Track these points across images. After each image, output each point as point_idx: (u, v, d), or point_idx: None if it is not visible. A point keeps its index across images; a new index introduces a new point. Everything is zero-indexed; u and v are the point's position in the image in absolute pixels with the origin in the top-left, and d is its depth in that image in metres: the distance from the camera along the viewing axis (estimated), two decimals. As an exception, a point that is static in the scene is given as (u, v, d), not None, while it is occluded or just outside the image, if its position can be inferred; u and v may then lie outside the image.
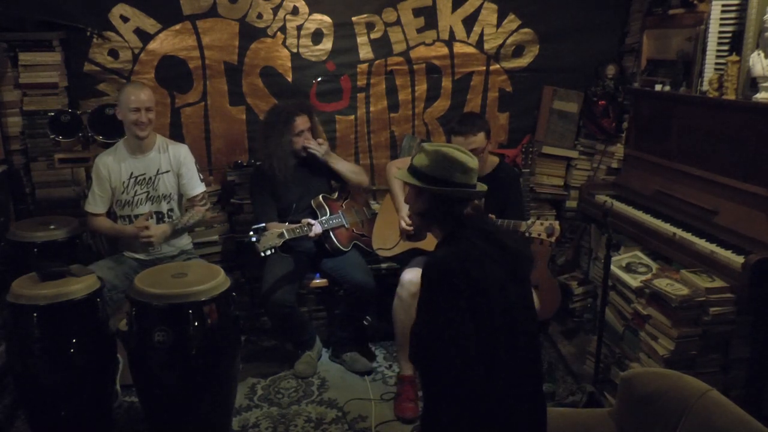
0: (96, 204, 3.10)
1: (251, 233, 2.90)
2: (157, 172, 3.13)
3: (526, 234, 2.79)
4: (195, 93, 3.77)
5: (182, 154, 3.18)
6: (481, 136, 2.99)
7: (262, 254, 2.88)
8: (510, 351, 1.80)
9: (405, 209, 3.21)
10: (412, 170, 1.97)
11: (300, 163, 3.36)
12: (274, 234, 2.92)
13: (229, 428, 2.81)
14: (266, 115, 3.48)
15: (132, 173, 3.10)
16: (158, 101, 3.44)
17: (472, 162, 1.95)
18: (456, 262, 1.80)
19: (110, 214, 3.18)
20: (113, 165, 3.09)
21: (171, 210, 3.18)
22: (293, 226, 3.06)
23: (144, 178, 3.11)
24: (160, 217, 3.15)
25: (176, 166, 3.15)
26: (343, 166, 3.43)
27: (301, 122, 3.27)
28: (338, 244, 3.31)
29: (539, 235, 2.77)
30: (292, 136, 3.27)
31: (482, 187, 1.98)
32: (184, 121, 3.79)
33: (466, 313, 1.75)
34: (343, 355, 3.40)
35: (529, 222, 2.82)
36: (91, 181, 3.13)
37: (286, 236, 2.96)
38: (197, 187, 3.20)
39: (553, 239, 2.77)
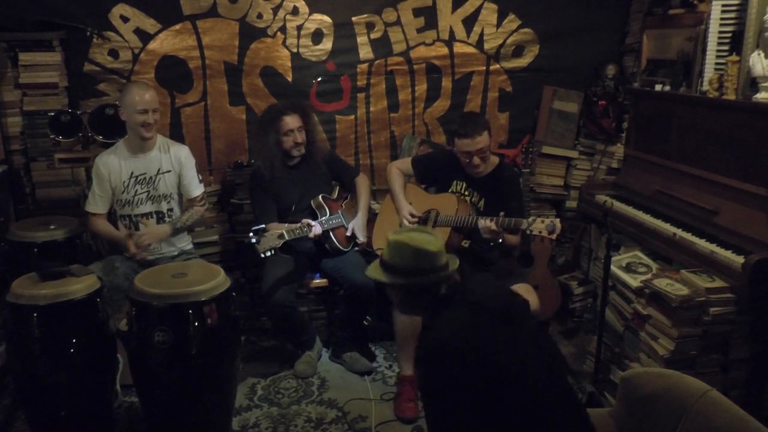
0: (96, 204, 3.10)
1: (251, 234, 2.90)
2: (158, 171, 3.13)
3: (527, 232, 2.78)
4: (195, 93, 3.77)
5: (183, 155, 3.18)
6: (485, 135, 3.00)
7: (262, 255, 2.87)
8: (545, 405, 1.69)
9: (405, 209, 3.21)
10: (381, 263, 1.92)
11: (299, 163, 3.35)
12: (273, 235, 2.91)
13: (229, 428, 2.80)
14: (260, 115, 3.48)
15: (132, 173, 3.10)
16: (158, 101, 3.43)
17: (433, 245, 1.87)
18: (444, 345, 1.71)
19: (111, 213, 3.18)
20: (113, 164, 3.09)
21: (171, 210, 3.18)
22: (293, 226, 3.05)
23: (144, 178, 3.11)
24: (160, 217, 3.16)
25: (177, 167, 3.16)
26: (366, 204, 3.44)
27: (291, 121, 3.24)
28: (338, 244, 3.31)
29: (540, 232, 2.75)
30: (280, 135, 3.24)
31: (453, 264, 1.91)
32: (184, 121, 3.79)
33: (468, 395, 1.66)
34: (343, 355, 3.39)
35: (530, 219, 2.80)
36: (91, 181, 3.13)
37: (286, 237, 2.96)
38: (197, 189, 3.21)
39: (554, 236, 2.74)
